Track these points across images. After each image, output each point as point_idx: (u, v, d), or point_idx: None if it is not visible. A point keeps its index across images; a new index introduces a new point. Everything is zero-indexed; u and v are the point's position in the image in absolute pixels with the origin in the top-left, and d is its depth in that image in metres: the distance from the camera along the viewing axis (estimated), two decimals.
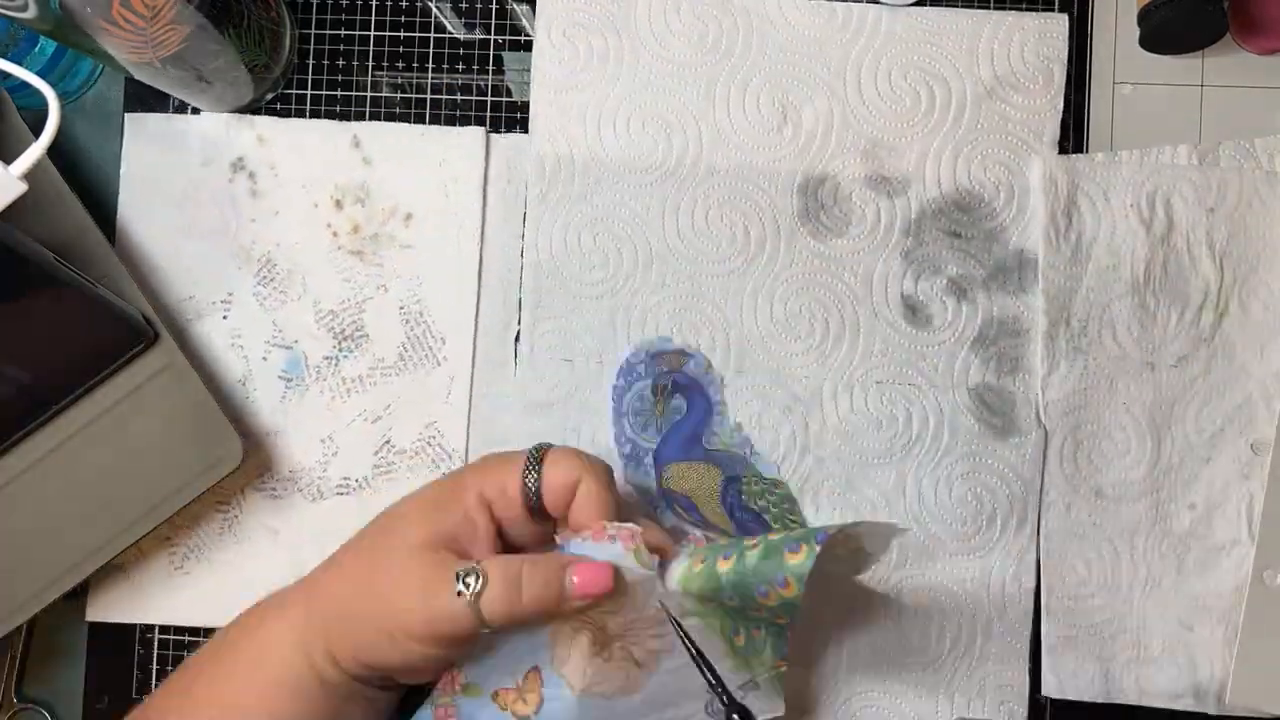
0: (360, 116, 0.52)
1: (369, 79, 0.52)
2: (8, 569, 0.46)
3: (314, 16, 0.52)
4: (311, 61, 0.52)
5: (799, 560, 0.38)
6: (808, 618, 0.49)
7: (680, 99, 0.51)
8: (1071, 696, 0.49)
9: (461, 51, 0.52)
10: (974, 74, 0.50)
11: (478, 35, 0.52)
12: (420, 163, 0.51)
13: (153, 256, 0.51)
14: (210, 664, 0.42)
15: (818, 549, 0.37)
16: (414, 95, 0.52)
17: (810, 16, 0.51)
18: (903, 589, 0.49)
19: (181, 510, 0.48)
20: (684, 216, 0.50)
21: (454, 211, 0.51)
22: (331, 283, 0.51)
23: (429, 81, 0.52)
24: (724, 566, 0.39)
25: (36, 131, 0.41)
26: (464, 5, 0.52)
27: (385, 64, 0.52)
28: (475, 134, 0.51)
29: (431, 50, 0.52)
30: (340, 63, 0.52)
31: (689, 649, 0.39)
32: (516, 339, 0.51)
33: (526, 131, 0.51)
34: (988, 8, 0.51)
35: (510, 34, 0.52)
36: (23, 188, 0.40)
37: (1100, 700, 0.49)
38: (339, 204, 0.51)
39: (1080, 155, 0.50)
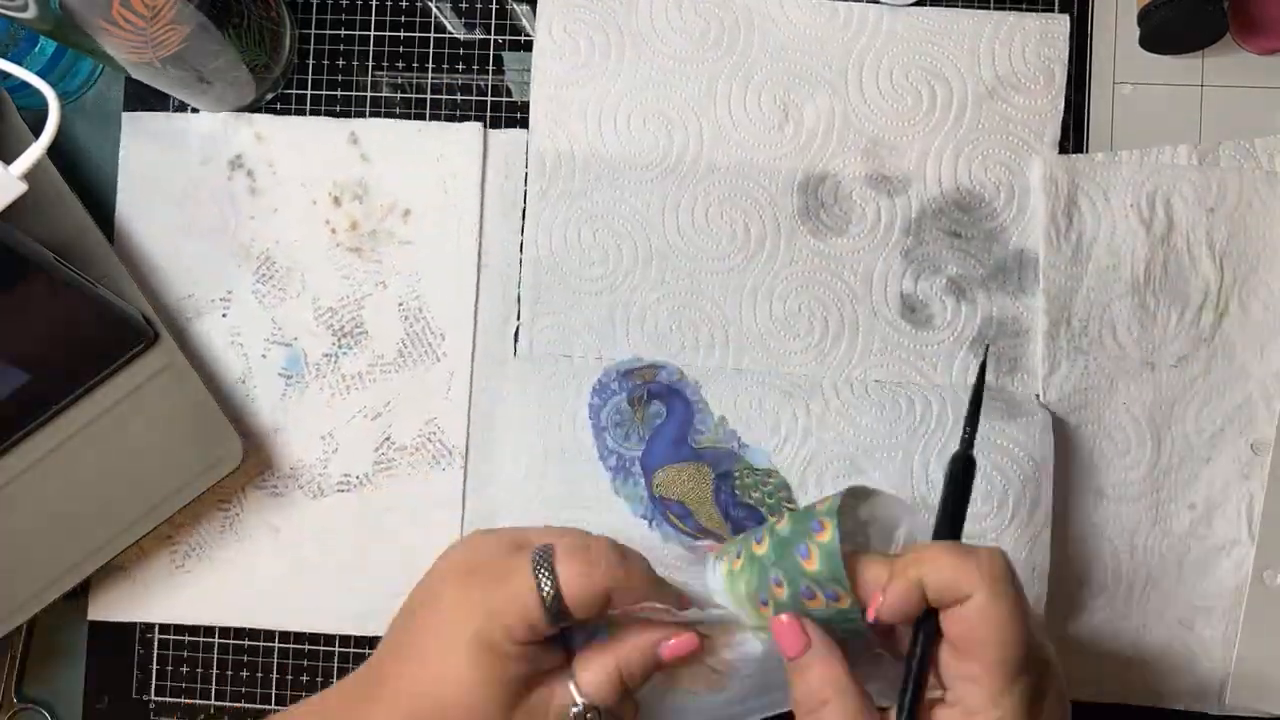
0: (360, 116, 0.52)
1: (369, 79, 0.52)
2: (8, 569, 0.46)
3: (314, 16, 0.52)
4: (311, 61, 0.52)
5: (826, 504, 0.37)
6: None
7: (681, 95, 0.51)
8: (1072, 697, 0.49)
9: (461, 51, 0.52)
10: (975, 74, 0.50)
11: (478, 35, 0.52)
12: (418, 159, 0.51)
13: (152, 255, 0.51)
14: None
15: (839, 496, 0.37)
16: (414, 95, 0.52)
17: (812, 15, 0.51)
18: None
19: (182, 509, 0.48)
20: (684, 213, 0.50)
21: (452, 207, 0.51)
22: (330, 280, 0.51)
23: (429, 81, 0.52)
24: (759, 550, 0.38)
25: (36, 131, 0.41)
26: (464, 5, 0.52)
27: (385, 64, 0.52)
28: (473, 129, 0.51)
29: (431, 50, 0.52)
30: (340, 62, 0.52)
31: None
32: (516, 335, 0.51)
33: (527, 129, 0.51)
34: (989, 8, 0.51)
35: (510, 34, 0.52)
36: (23, 188, 0.40)
37: (1100, 700, 0.49)
38: (337, 201, 0.51)
39: (1080, 155, 0.50)
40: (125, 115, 0.52)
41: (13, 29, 0.49)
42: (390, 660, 0.38)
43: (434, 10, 0.52)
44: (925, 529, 0.39)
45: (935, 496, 0.45)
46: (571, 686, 0.37)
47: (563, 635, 0.38)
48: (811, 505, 0.37)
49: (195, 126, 0.52)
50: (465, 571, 0.38)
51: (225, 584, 0.51)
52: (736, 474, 0.48)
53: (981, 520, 0.48)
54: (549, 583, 0.36)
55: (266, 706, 0.51)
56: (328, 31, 0.52)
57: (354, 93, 0.52)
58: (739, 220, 0.50)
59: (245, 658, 0.51)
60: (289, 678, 0.51)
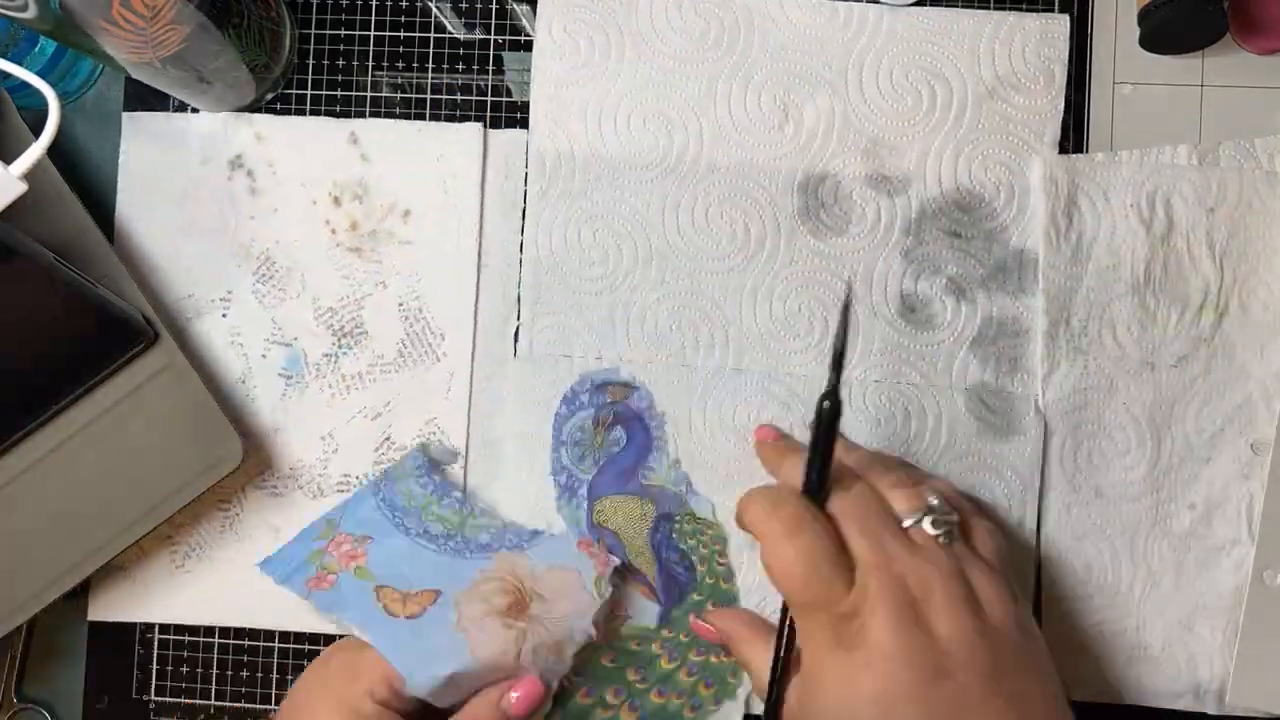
0: (360, 116, 0.52)
1: (369, 79, 0.52)
2: (8, 569, 0.46)
3: (314, 16, 0.52)
4: (311, 61, 0.52)
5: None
6: None
7: (681, 95, 0.51)
8: (1071, 697, 0.49)
9: (461, 51, 0.52)
10: (975, 74, 0.50)
11: (478, 35, 0.52)
12: (418, 159, 0.51)
13: (152, 255, 0.51)
14: None
15: None
16: (414, 95, 0.52)
17: (812, 15, 0.50)
18: None
19: (182, 509, 0.48)
20: (684, 214, 0.50)
21: (452, 207, 0.51)
22: (330, 280, 0.51)
23: (429, 81, 0.52)
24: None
25: (36, 131, 0.41)
26: (464, 5, 0.52)
27: (385, 64, 0.52)
28: (473, 129, 0.51)
29: (431, 50, 0.52)
30: (340, 62, 0.52)
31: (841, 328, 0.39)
32: (516, 335, 0.51)
33: (527, 129, 0.51)
34: (989, 8, 0.51)
35: (510, 34, 0.52)
36: (23, 188, 0.40)
37: (1100, 700, 0.49)
38: (337, 201, 0.51)
39: (1080, 155, 0.50)
40: (125, 115, 0.52)
41: (13, 29, 0.49)
42: None
43: (434, 10, 0.52)
44: None
45: None
46: None
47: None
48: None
49: (195, 126, 0.52)
50: (327, 658, 0.42)
51: (225, 584, 0.51)
52: (678, 518, 0.49)
53: None
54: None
55: (266, 706, 0.51)
56: (328, 31, 0.52)
57: (354, 93, 0.52)
58: (739, 220, 0.50)
59: (245, 658, 0.51)
60: (289, 678, 0.51)
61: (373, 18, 0.52)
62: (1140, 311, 0.50)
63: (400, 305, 0.51)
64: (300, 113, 0.52)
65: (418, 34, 0.52)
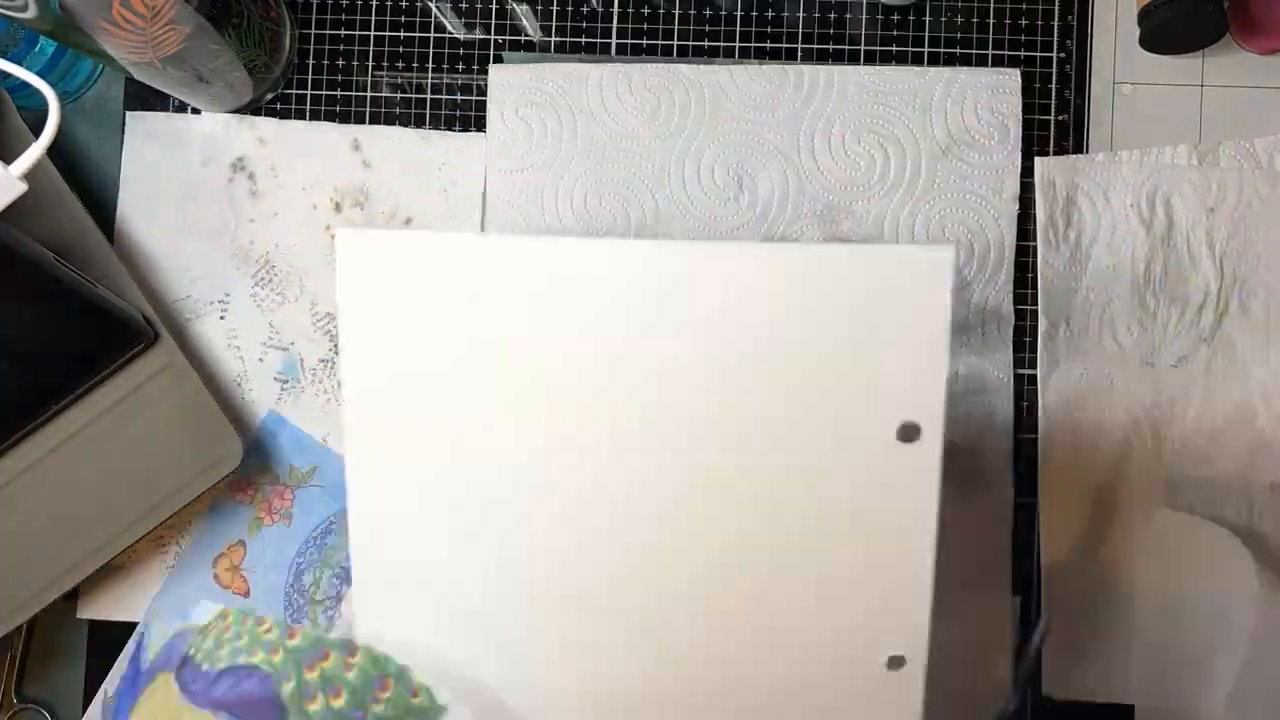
0: (360, 116, 0.52)
1: (369, 79, 0.52)
2: (8, 569, 0.46)
3: (314, 16, 0.52)
4: (311, 61, 0.52)
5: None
6: None
7: (635, 172, 0.50)
8: (1072, 697, 0.49)
9: (461, 51, 0.52)
10: (928, 133, 0.50)
11: (478, 35, 0.52)
12: (420, 166, 0.51)
13: (151, 255, 0.51)
14: None
15: None
16: (414, 95, 0.52)
17: (762, 81, 0.50)
18: None
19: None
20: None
21: (453, 215, 0.51)
22: (329, 285, 0.51)
23: (429, 81, 0.52)
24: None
25: (36, 131, 0.41)
26: (464, 5, 0.52)
27: (385, 64, 0.52)
28: (475, 139, 0.51)
29: (431, 50, 0.52)
30: (340, 63, 0.52)
31: None
32: None
33: None
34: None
35: (510, 34, 0.52)
36: (23, 188, 0.40)
37: (1101, 700, 0.49)
38: (338, 206, 0.51)
39: (1080, 155, 0.50)
40: (129, 115, 0.52)
41: (13, 29, 0.49)
42: None
43: (434, 10, 0.52)
44: None
45: None
46: None
47: None
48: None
49: (198, 128, 0.52)
50: None
51: None
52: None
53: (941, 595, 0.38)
54: None
55: None
56: (328, 31, 0.52)
57: (354, 93, 0.52)
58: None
59: None
60: None
61: (373, 18, 0.52)
62: (1140, 311, 0.50)
63: None
64: (300, 113, 0.52)
65: (418, 34, 0.52)
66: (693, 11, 0.51)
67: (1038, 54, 0.51)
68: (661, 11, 0.52)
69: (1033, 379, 0.50)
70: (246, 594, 0.50)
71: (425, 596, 0.39)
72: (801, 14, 0.51)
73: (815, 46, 0.51)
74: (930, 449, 0.34)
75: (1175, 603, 0.49)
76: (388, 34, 0.52)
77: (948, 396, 0.34)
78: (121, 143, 0.52)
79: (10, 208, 0.40)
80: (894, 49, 0.51)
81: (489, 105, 0.51)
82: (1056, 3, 0.51)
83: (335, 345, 0.51)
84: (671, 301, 0.35)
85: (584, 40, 0.52)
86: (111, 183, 0.52)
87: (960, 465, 0.49)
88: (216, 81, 0.48)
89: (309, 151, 0.51)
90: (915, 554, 0.35)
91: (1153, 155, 0.50)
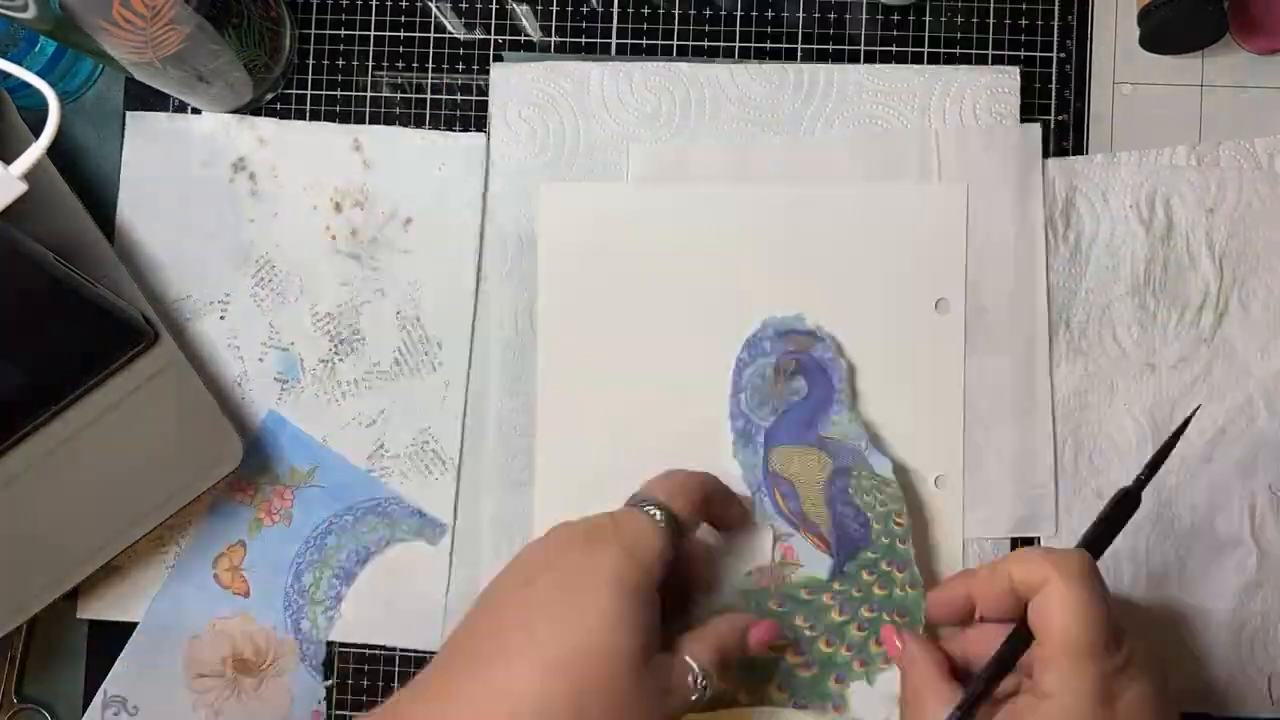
0: (360, 116, 0.52)
1: (369, 79, 0.52)
2: (8, 569, 0.46)
3: (314, 16, 0.52)
4: (311, 61, 0.52)
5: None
6: None
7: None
8: None
9: (461, 51, 0.52)
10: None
11: (478, 35, 0.52)
12: (420, 167, 0.51)
13: (151, 255, 0.51)
14: None
15: None
16: (414, 95, 0.52)
17: (762, 81, 0.50)
18: None
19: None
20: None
21: (453, 216, 0.51)
22: (329, 286, 0.51)
23: (429, 81, 0.52)
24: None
25: (36, 131, 0.41)
26: (464, 5, 0.52)
27: (385, 64, 0.52)
28: (475, 139, 0.51)
29: (431, 50, 0.52)
30: (340, 63, 0.52)
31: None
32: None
33: None
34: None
35: (510, 34, 0.52)
36: (23, 188, 0.40)
37: None
38: (338, 207, 0.51)
39: (1079, 156, 0.50)
40: (129, 115, 0.52)
41: (13, 29, 0.49)
42: (513, 628, 0.38)
43: (434, 10, 0.52)
44: None
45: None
46: (688, 658, 0.41)
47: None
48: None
49: (198, 128, 0.52)
50: (582, 538, 0.41)
51: None
52: (854, 473, 0.48)
53: None
54: (659, 511, 0.41)
55: None
56: (328, 31, 0.52)
57: (354, 93, 0.52)
58: None
59: None
60: None
61: (373, 18, 0.52)
62: (1140, 312, 0.49)
63: (398, 313, 0.51)
64: (300, 113, 0.52)
65: (418, 34, 0.52)
66: (693, 11, 0.51)
67: (1037, 54, 0.51)
68: (661, 11, 0.52)
69: None
70: (246, 594, 0.50)
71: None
72: (801, 14, 0.51)
73: (815, 47, 0.51)
74: (957, 317, 0.49)
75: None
76: (388, 34, 0.52)
77: (967, 282, 0.49)
78: (121, 143, 0.52)
79: (10, 208, 0.40)
80: (894, 49, 0.51)
81: (491, 104, 0.51)
82: (1056, 3, 0.51)
83: (335, 346, 0.51)
84: (785, 222, 0.50)
85: (584, 40, 0.52)
86: (111, 183, 0.52)
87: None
88: (216, 81, 0.48)
89: (309, 151, 0.51)
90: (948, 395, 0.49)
91: (1152, 156, 0.50)
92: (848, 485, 0.48)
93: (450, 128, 0.52)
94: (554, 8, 0.52)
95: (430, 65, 0.52)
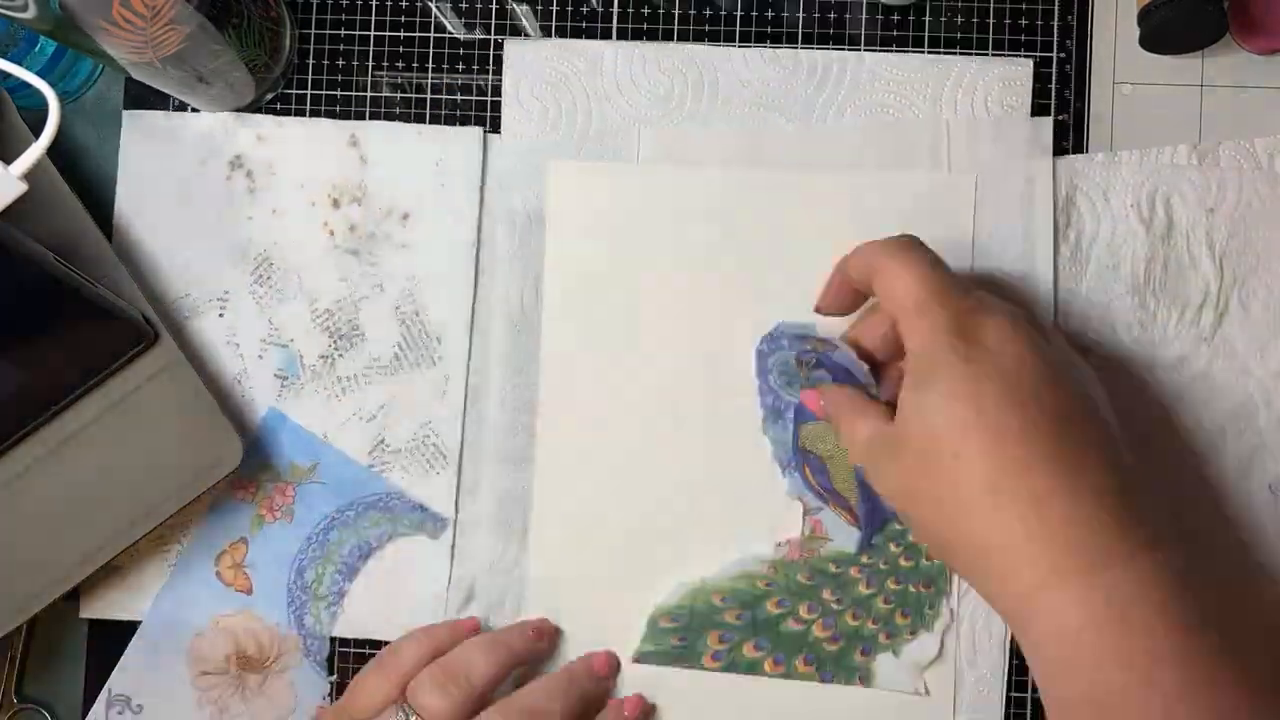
0: (360, 116, 0.52)
1: (369, 79, 0.52)
2: (8, 569, 0.47)
3: (314, 16, 0.52)
4: (311, 61, 0.52)
5: None
6: None
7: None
8: None
9: (461, 51, 0.52)
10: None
11: (478, 35, 0.52)
12: (418, 162, 0.51)
13: (149, 253, 0.51)
14: None
15: None
16: (414, 95, 0.52)
17: (775, 67, 0.50)
18: None
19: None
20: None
21: (450, 211, 0.51)
22: (328, 281, 0.51)
23: (429, 81, 0.52)
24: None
25: (36, 131, 0.41)
26: (464, 5, 0.52)
27: (385, 64, 0.52)
28: (473, 134, 0.51)
29: (431, 50, 0.52)
30: (340, 63, 0.52)
31: None
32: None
33: None
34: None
35: (511, 34, 0.52)
36: (23, 188, 0.40)
37: None
38: (336, 203, 0.51)
39: (1080, 155, 0.50)
40: (126, 113, 0.52)
41: (13, 29, 0.49)
42: None
43: (434, 10, 0.52)
44: None
45: None
46: None
47: None
48: None
49: (195, 126, 0.52)
50: None
51: None
52: None
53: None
54: None
55: None
56: (328, 31, 0.52)
57: (354, 93, 0.52)
58: None
59: None
60: None
61: (373, 18, 0.52)
62: (1140, 311, 0.50)
63: (397, 308, 0.51)
64: (300, 113, 0.52)
65: (418, 34, 0.52)
66: (692, 11, 0.51)
67: (1037, 54, 0.51)
68: (661, 11, 0.52)
69: None
70: (249, 591, 0.51)
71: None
72: (801, 14, 0.51)
73: (816, 48, 0.51)
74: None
75: None
76: (388, 34, 0.52)
77: (971, 268, 0.50)
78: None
79: (10, 208, 0.40)
80: (894, 49, 0.51)
81: (504, 80, 0.51)
82: (1056, 3, 0.51)
83: (334, 342, 0.51)
84: (794, 206, 0.50)
85: (584, 40, 0.52)
86: (111, 182, 0.52)
87: None
88: (217, 82, 0.48)
89: (307, 148, 0.51)
90: None
91: (1153, 155, 0.50)
92: None
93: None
94: (554, 7, 0.52)
95: (430, 65, 0.52)
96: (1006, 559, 0.37)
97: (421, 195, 0.51)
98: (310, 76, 0.52)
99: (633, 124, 0.51)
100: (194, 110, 0.52)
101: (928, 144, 0.50)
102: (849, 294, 0.46)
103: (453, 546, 0.50)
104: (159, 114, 0.52)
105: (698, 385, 0.50)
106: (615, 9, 0.52)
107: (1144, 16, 0.49)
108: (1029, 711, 0.49)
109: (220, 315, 0.51)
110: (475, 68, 0.52)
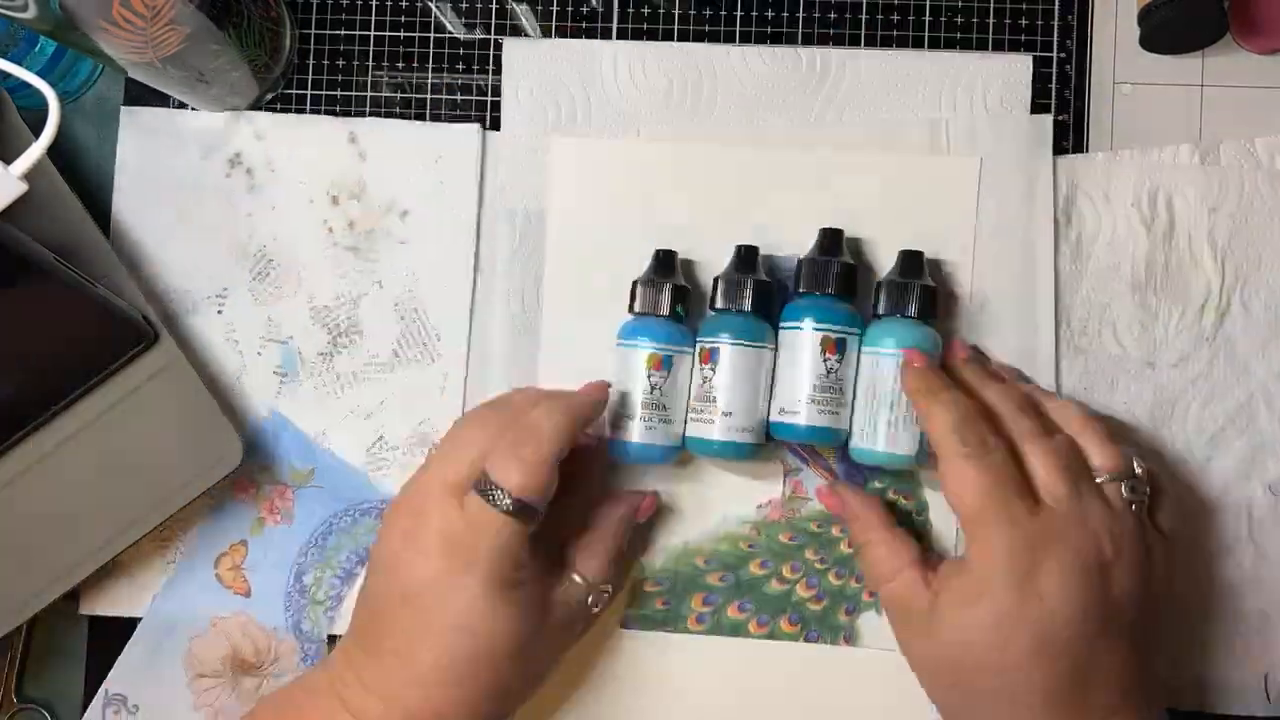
0: (360, 116, 0.52)
1: (369, 79, 0.52)
2: (8, 569, 0.46)
3: (314, 16, 0.52)
4: (311, 61, 0.52)
5: None
6: None
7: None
8: None
9: (461, 51, 0.52)
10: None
11: (478, 35, 0.52)
12: (416, 158, 0.51)
13: (147, 250, 0.51)
14: None
15: None
16: (414, 95, 0.52)
17: (774, 64, 0.50)
18: None
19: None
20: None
21: (449, 207, 0.51)
22: (327, 278, 0.51)
23: (429, 81, 0.52)
24: None
25: (36, 131, 0.41)
26: (464, 5, 0.52)
27: (385, 63, 0.52)
28: (471, 130, 0.51)
29: (431, 50, 0.52)
30: (340, 62, 0.52)
31: None
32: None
33: None
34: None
35: (510, 34, 0.52)
36: (23, 188, 0.40)
37: None
38: (335, 200, 0.51)
39: (1080, 155, 0.50)
40: (124, 110, 0.52)
41: (13, 29, 0.49)
42: (391, 653, 0.41)
43: (434, 10, 0.52)
44: None
45: None
46: (577, 576, 0.44)
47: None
48: None
49: (194, 123, 0.52)
50: (439, 555, 0.41)
51: None
52: None
53: None
54: (503, 498, 0.40)
55: None
56: (328, 31, 0.52)
57: (354, 92, 0.52)
58: None
59: None
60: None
61: (373, 17, 0.52)
62: (1141, 311, 0.49)
63: (396, 305, 0.51)
64: (300, 112, 0.52)
65: (418, 34, 0.52)
66: (692, 11, 0.51)
67: (1037, 54, 0.51)
68: (661, 11, 0.52)
69: None
70: (248, 594, 0.50)
71: None
72: (801, 13, 0.51)
73: (815, 47, 0.51)
74: (963, 291, 0.50)
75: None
76: (388, 34, 0.52)
77: (974, 258, 0.50)
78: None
79: (10, 208, 0.40)
80: (894, 49, 0.51)
81: (504, 80, 0.51)
82: (1056, 3, 0.51)
83: (333, 339, 0.51)
84: (797, 183, 0.51)
85: (584, 40, 0.51)
86: (111, 182, 0.52)
87: None
88: (217, 82, 0.48)
89: (305, 145, 0.51)
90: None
91: (1154, 154, 0.50)
92: None
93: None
94: (554, 7, 0.52)
95: (430, 65, 0.52)
96: None
97: (420, 192, 0.51)
98: (310, 76, 0.52)
99: (632, 123, 0.51)
100: (192, 108, 0.52)
101: (927, 142, 0.50)
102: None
103: None
104: (158, 111, 0.52)
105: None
106: (615, 8, 0.52)
107: (1144, 16, 0.49)
108: None
109: (219, 312, 0.51)
110: (475, 67, 0.52)
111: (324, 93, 0.52)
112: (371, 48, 0.52)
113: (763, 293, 0.46)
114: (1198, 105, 0.51)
